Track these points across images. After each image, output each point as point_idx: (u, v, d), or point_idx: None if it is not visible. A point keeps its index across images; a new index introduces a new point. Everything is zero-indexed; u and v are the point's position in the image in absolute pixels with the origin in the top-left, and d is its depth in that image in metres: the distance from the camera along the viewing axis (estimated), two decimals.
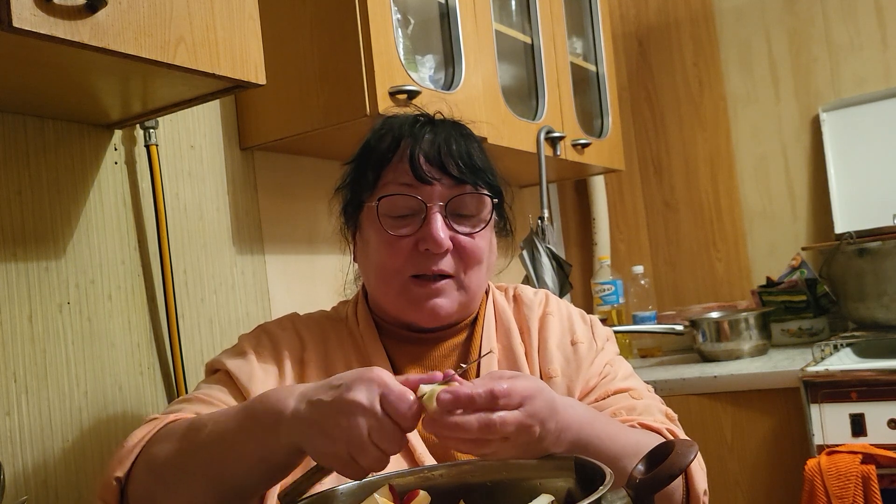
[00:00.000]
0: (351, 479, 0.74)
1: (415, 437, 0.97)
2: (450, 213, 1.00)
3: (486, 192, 1.03)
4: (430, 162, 1.00)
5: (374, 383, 0.73)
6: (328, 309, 1.16)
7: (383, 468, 0.73)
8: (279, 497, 0.78)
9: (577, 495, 0.74)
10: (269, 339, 1.06)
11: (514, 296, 1.14)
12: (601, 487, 0.65)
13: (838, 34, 2.37)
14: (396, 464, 0.94)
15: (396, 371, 1.05)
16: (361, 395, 0.72)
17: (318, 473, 0.77)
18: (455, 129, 1.05)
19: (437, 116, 1.08)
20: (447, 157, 1.00)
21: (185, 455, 0.83)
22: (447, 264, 1.00)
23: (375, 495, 0.74)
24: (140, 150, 1.36)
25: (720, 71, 2.52)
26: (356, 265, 1.12)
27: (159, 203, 1.34)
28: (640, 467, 0.72)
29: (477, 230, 1.02)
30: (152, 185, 1.34)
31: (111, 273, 1.29)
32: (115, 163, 1.32)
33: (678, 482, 0.92)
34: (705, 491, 0.95)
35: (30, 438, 1.15)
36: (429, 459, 0.96)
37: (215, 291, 1.46)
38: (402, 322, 1.05)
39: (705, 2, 2.54)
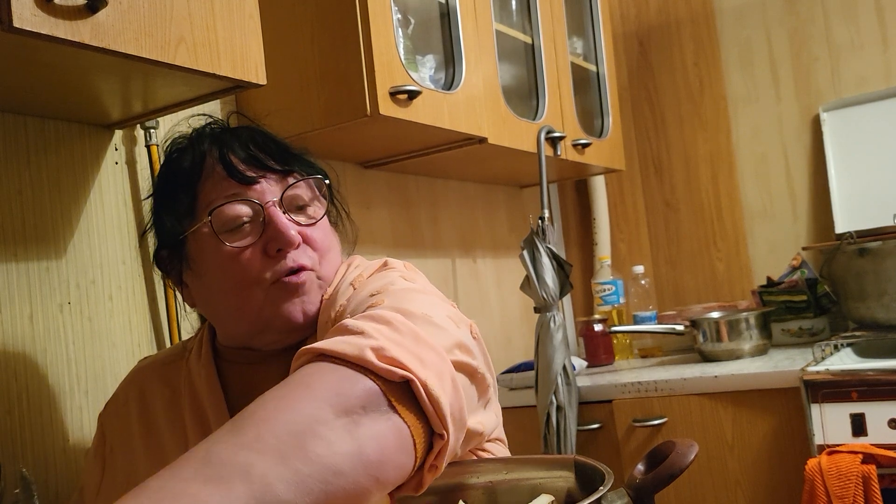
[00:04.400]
0: None
1: None
2: (287, 207, 0.93)
3: (318, 176, 0.97)
4: (246, 162, 0.92)
5: None
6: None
7: None
8: None
9: (577, 495, 0.74)
10: (99, 429, 1.06)
11: None
12: (601, 487, 0.65)
13: (839, 34, 2.37)
14: None
15: (232, 402, 0.96)
16: None
17: None
18: (255, 129, 0.99)
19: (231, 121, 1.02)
20: (261, 152, 0.93)
21: None
22: (305, 258, 0.92)
23: None
24: (140, 150, 1.36)
25: (721, 71, 2.52)
26: (194, 310, 1.02)
27: None
28: (640, 467, 0.72)
29: (320, 217, 0.95)
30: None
31: (112, 273, 1.29)
32: (116, 163, 1.32)
33: None
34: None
35: (30, 438, 1.15)
36: None
37: None
38: (252, 342, 0.96)
39: (706, 1, 2.54)
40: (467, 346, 0.75)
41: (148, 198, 1.00)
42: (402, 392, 0.63)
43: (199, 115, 1.03)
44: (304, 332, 0.94)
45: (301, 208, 0.95)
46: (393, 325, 0.69)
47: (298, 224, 0.93)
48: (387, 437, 0.61)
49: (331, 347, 0.65)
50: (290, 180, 0.94)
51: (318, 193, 0.97)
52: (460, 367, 0.71)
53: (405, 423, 0.62)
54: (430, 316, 0.74)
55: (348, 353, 0.64)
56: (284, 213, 0.92)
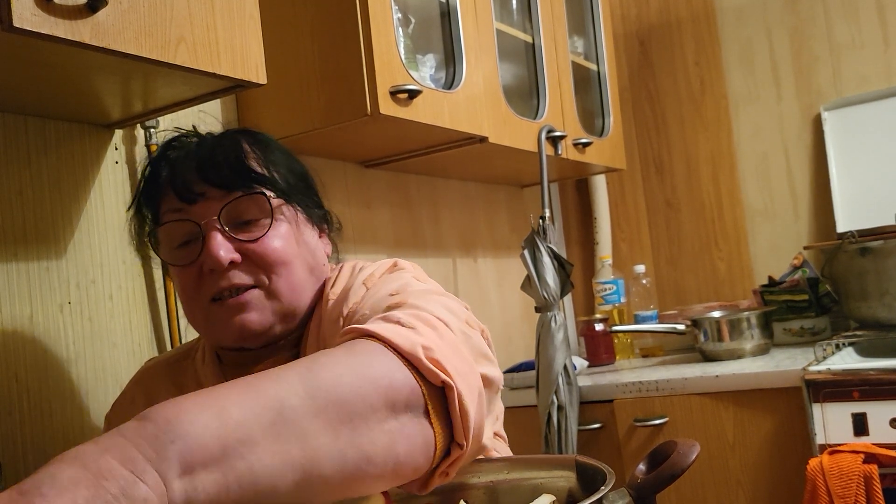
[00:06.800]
0: None
1: None
2: (230, 224, 0.92)
3: (260, 191, 0.93)
4: (191, 179, 0.92)
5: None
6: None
7: None
8: None
9: (578, 495, 0.74)
10: (107, 428, 1.06)
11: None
12: (603, 487, 0.65)
13: (840, 33, 2.36)
14: None
15: None
16: None
17: None
18: (225, 137, 0.98)
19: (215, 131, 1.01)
20: (209, 168, 0.92)
21: None
22: (240, 277, 0.91)
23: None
24: (141, 150, 1.36)
25: (721, 70, 2.52)
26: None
27: None
28: (642, 467, 0.71)
29: (263, 233, 0.92)
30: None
31: (112, 273, 1.29)
32: (116, 162, 1.32)
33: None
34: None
35: (31, 438, 1.15)
36: None
37: None
38: (226, 347, 0.98)
39: (706, 1, 2.54)
40: (488, 355, 0.76)
41: (129, 209, 1.02)
42: (438, 397, 0.65)
43: (172, 129, 1.02)
44: (295, 330, 0.96)
45: (248, 223, 0.93)
46: (437, 330, 0.71)
47: (239, 241, 0.92)
48: (416, 440, 0.63)
49: (386, 335, 0.66)
50: (232, 196, 0.92)
51: (266, 207, 0.94)
52: (484, 380, 0.72)
53: (433, 429, 0.64)
54: (461, 323, 0.76)
55: (403, 346, 0.65)
56: (225, 230, 0.91)
